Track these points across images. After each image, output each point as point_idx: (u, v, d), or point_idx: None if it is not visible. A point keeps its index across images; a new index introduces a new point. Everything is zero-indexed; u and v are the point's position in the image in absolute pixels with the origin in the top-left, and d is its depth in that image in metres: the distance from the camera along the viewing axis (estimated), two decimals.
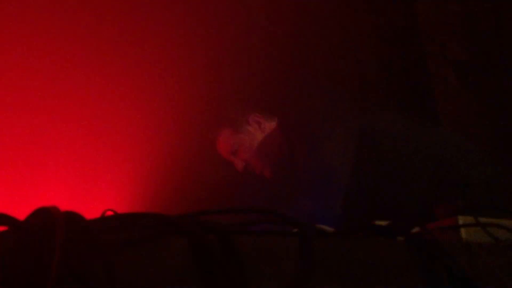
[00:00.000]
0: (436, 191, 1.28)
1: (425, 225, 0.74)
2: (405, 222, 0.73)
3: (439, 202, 0.98)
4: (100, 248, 0.52)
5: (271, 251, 0.62)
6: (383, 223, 0.75)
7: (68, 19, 1.82)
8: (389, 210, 1.32)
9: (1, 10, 1.71)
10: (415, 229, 0.74)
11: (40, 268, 0.49)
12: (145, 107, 1.85)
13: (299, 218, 0.74)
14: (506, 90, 2.21)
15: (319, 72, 2.07)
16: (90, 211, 1.59)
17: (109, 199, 1.74)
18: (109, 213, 1.10)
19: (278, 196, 1.64)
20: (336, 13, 2.15)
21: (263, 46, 2.03)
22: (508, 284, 0.68)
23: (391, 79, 2.25)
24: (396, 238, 0.69)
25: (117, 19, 1.88)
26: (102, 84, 1.81)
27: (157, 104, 1.86)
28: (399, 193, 1.36)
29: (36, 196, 1.64)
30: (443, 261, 0.65)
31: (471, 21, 2.30)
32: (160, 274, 0.56)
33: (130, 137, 1.82)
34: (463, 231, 0.85)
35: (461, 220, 0.86)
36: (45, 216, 0.54)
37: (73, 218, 0.55)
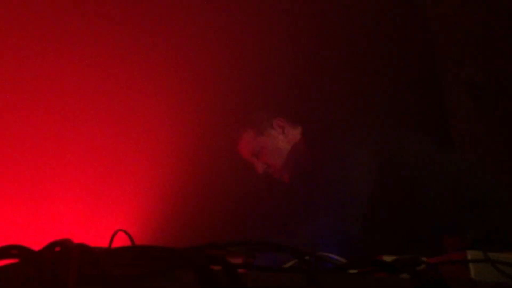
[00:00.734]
0: (449, 221, 1.28)
1: (430, 262, 0.74)
2: (411, 258, 0.73)
3: (450, 232, 0.98)
4: (111, 282, 0.54)
5: (275, 286, 0.64)
6: (389, 258, 0.76)
7: (93, 24, 1.83)
8: (401, 238, 1.32)
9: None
10: (422, 266, 0.75)
11: None
12: (159, 122, 1.88)
13: (307, 250, 0.75)
14: None
15: (345, 84, 2.09)
16: (102, 229, 1.62)
17: (120, 216, 1.76)
18: (121, 233, 1.13)
19: (292, 214, 1.66)
20: (359, 31, 2.17)
21: (293, 53, 2.04)
22: None
23: (404, 98, 2.25)
24: (400, 275, 0.70)
25: (136, 20, 1.90)
26: (117, 99, 1.83)
27: (173, 120, 1.88)
28: (414, 220, 1.36)
29: (48, 214, 1.67)
30: None
31: (486, 40, 2.29)
32: None
33: (143, 152, 1.84)
34: (471, 267, 0.85)
35: (470, 255, 0.86)
36: (60, 249, 0.57)
37: (86, 251, 0.58)
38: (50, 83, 1.76)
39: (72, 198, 1.72)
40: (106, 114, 1.79)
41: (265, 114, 1.65)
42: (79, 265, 0.53)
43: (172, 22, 1.96)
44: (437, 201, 1.35)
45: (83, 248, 0.58)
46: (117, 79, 1.83)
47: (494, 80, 2.25)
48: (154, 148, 1.85)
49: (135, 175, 1.82)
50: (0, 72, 1.70)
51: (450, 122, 2.23)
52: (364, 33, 2.19)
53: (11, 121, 1.70)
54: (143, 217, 1.81)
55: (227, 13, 2.02)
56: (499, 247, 0.89)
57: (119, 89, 1.82)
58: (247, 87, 1.93)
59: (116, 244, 0.96)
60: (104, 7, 1.87)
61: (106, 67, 1.81)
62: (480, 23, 2.30)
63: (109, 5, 1.88)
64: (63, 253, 0.55)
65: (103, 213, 1.74)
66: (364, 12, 2.18)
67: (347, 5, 2.16)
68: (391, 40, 2.25)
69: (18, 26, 1.75)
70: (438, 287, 0.67)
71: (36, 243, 0.64)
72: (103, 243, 0.92)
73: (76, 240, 0.61)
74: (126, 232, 1.11)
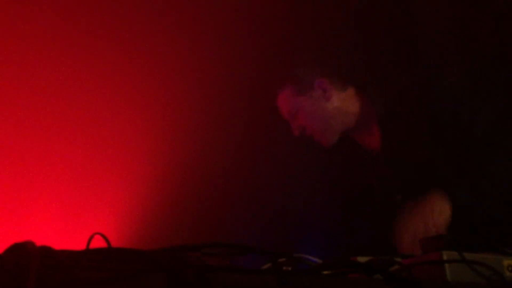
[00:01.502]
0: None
1: (405, 263, 0.74)
2: (385, 259, 0.73)
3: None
4: (74, 286, 0.53)
5: None
6: (364, 259, 0.75)
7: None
8: (377, 239, 1.32)
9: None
10: (395, 267, 0.74)
11: None
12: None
13: (283, 251, 0.74)
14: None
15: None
16: (80, 232, 1.59)
17: (100, 219, 1.74)
18: (97, 236, 1.11)
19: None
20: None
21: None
22: None
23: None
24: (374, 276, 0.69)
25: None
26: (94, 100, 1.80)
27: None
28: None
29: (28, 216, 1.64)
30: None
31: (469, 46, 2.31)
32: None
33: (126, 154, 1.82)
34: (447, 267, 0.84)
35: (445, 255, 0.86)
36: (20, 252, 0.55)
37: (48, 253, 0.56)
38: (30, 83, 1.73)
39: (50, 202, 1.69)
40: (82, 115, 1.77)
41: (308, 70, 1.50)
42: (38, 269, 0.52)
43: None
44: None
45: (45, 251, 0.56)
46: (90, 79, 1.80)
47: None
48: (137, 149, 1.83)
49: (117, 177, 1.80)
50: None
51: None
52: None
53: None
54: (126, 221, 1.78)
55: None
56: (474, 248, 0.89)
57: (96, 90, 1.79)
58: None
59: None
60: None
61: (75, 67, 1.78)
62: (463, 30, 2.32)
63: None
64: (24, 256, 0.53)
65: (82, 217, 1.71)
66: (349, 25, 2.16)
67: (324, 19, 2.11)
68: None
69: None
70: (411, 287, 0.66)
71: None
72: (82, 247, 0.91)
73: (55, 244, 0.59)
74: (102, 235, 1.09)
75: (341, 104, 1.48)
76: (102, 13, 1.84)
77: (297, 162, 1.86)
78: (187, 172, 1.85)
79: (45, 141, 1.72)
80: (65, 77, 1.77)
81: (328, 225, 1.56)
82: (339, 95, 1.49)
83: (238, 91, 1.88)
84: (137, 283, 0.58)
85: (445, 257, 0.85)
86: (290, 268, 0.78)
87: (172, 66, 1.88)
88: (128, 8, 1.86)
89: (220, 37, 1.89)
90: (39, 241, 0.60)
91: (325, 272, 0.71)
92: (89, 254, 0.62)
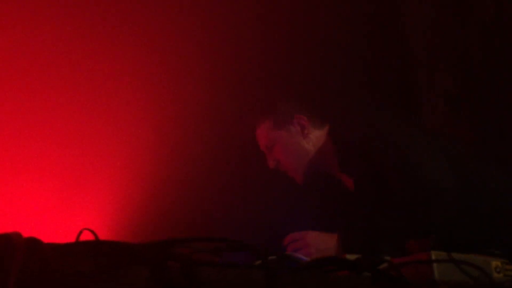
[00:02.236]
0: (415, 224, 1.28)
1: (394, 262, 0.74)
2: (374, 257, 0.73)
3: (414, 235, 0.98)
4: (56, 277, 0.52)
5: (235, 283, 0.62)
6: (353, 257, 0.75)
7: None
8: (368, 239, 1.32)
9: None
10: (383, 265, 0.74)
11: None
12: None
13: (270, 249, 0.74)
14: (497, 119, 2.22)
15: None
16: (70, 227, 1.58)
17: (91, 214, 1.73)
18: (86, 232, 1.10)
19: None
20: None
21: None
22: None
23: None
24: (362, 273, 0.69)
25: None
26: (84, 96, 1.80)
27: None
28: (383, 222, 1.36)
29: (19, 205, 1.63)
30: None
31: (460, 50, 2.33)
32: None
33: (118, 149, 1.81)
34: (435, 267, 0.85)
35: (434, 255, 0.86)
36: (5, 242, 0.54)
37: (35, 245, 0.55)
38: (20, 80, 1.72)
39: (42, 194, 1.68)
40: (72, 110, 1.76)
41: (288, 107, 1.51)
42: (24, 260, 0.51)
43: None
44: (404, 204, 1.34)
45: (31, 243, 0.56)
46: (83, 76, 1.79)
47: (468, 89, 2.29)
48: (131, 145, 1.82)
49: (107, 172, 1.79)
50: None
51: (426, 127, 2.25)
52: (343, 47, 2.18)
53: None
54: (115, 217, 1.77)
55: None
56: (462, 249, 0.89)
57: (86, 86, 1.79)
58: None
59: None
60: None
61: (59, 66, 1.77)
62: (455, 35, 2.34)
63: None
64: (8, 246, 0.53)
65: (73, 211, 1.70)
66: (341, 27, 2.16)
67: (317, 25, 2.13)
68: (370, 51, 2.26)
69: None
70: (398, 285, 0.66)
71: None
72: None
73: (44, 238, 0.59)
74: (91, 230, 1.08)
75: (317, 142, 1.48)
76: (102, 13, 1.84)
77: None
78: (179, 168, 1.84)
79: (35, 136, 1.71)
80: (57, 73, 1.76)
81: (320, 223, 1.56)
82: (316, 133, 1.49)
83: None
84: (122, 275, 0.58)
85: (433, 257, 0.85)
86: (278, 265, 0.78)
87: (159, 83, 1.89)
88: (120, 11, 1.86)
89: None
90: (27, 235, 0.59)
91: (314, 270, 0.71)
92: (75, 246, 0.62)
